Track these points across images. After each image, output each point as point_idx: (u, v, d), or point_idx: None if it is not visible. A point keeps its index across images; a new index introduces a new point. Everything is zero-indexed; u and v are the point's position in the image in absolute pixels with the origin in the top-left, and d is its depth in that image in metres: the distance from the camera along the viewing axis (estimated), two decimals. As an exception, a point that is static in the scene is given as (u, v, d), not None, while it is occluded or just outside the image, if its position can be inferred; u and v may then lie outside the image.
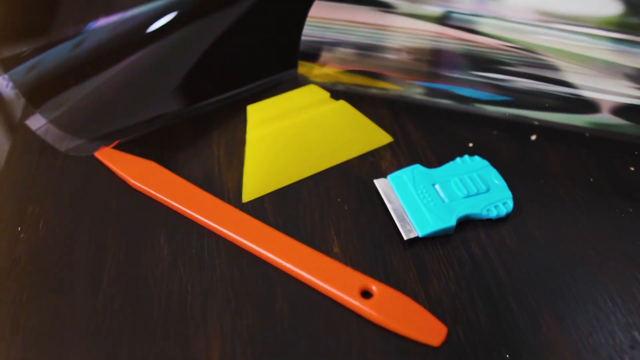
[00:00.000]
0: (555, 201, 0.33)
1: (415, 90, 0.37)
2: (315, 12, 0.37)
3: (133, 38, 0.37)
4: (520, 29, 0.34)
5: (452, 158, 0.35)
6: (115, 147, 0.35)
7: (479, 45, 0.34)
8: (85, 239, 0.31)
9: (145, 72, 0.37)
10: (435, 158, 0.35)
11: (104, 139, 0.36)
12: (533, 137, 0.37)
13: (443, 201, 0.32)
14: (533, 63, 0.34)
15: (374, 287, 0.28)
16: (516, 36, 0.34)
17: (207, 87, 0.38)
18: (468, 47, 0.35)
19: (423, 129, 0.37)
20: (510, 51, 0.34)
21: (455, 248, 0.30)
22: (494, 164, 0.34)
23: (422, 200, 0.32)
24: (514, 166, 0.35)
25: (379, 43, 0.36)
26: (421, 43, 0.36)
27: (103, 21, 0.38)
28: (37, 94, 0.35)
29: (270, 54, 0.40)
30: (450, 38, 0.35)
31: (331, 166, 0.35)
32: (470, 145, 0.36)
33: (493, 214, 0.31)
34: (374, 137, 0.36)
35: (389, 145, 0.36)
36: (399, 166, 0.35)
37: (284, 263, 0.29)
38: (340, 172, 0.34)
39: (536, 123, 0.36)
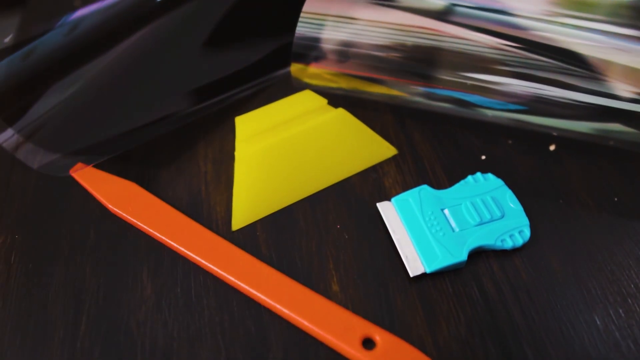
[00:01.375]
0: (575, 225, 0.30)
1: (419, 97, 0.33)
2: (310, 7, 0.33)
3: (111, 36, 0.33)
4: (532, 26, 0.30)
5: (463, 174, 0.32)
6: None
7: (487, 46, 0.31)
8: (62, 274, 0.28)
9: (125, 77, 0.33)
10: (445, 174, 0.32)
11: (81, 154, 0.32)
12: (552, 148, 0.33)
13: (453, 230, 0.29)
14: (549, 67, 0.30)
15: (377, 336, 0.25)
16: (527, 35, 0.30)
17: (193, 91, 0.34)
18: (475, 48, 0.31)
19: (431, 139, 0.34)
20: (522, 54, 0.30)
21: (465, 284, 0.28)
22: (509, 179, 0.31)
23: (430, 229, 0.29)
24: (530, 183, 0.31)
25: (379, 42, 0.32)
26: (426, 42, 0.32)
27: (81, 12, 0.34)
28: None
29: (260, 52, 0.36)
30: (456, 38, 0.31)
31: (329, 185, 0.32)
32: (483, 157, 0.33)
33: (508, 244, 0.28)
34: (377, 149, 0.33)
35: (393, 158, 0.33)
36: (404, 184, 0.32)
37: (278, 306, 0.26)
38: (340, 191, 0.31)
39: (555, 134, 0.33)
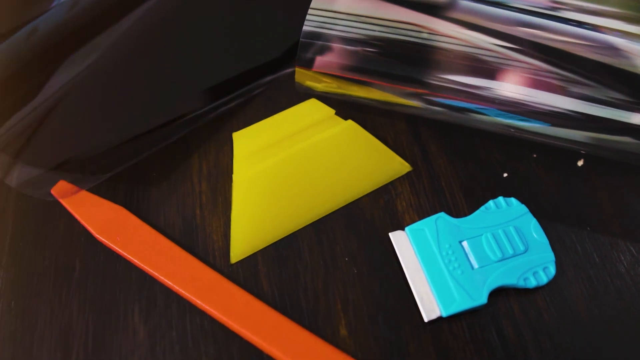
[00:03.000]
0: (603, 259, 0.27)
1: (435, 109, 0.29)
2: (317, 3, 0.29)
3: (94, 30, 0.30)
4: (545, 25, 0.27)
5: (483, 196, 0.29)
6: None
7: (484, 49, 0.27)
8: (47, 313, 0.26)
9: (115, 78, 0.29)
10: (464, 195, 0.29)
11: (64, 170, 0.29)
12: (580, 163, 0.30)
13: (472, 267, 0.26)
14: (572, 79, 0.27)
15: (389, 393, 0.24)
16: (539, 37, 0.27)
17: (192, 94, 0.31)
18: (473, 50, 0.27)
19: (449, 152, 0.31)
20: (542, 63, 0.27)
21: (484, 328, 0.26)
22: (533, 201, 0.28)
23: (448, 265, 0.26)
24: (555, 206, 0.29)
25: (390, 48, 0.28)
26: (441, 44, 0.28)
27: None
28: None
29: (262, 51, 0.32)
30: (451, 38, 0.27)
31: (337, 208, 0.29)
32: (505, 175, 0.30)
33: (531, 284, 0.26)
34: (390, 166, 0.30)
35: (407, 175, 0.30)
36: (419, 208, 0.29)
37: (283, 356, 0.24)
38: (348, 216, 0.29)
39: (583, 152, 0.29)
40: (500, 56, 0.27)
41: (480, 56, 0.27)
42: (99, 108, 0.30)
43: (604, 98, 0.26)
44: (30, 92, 0.29)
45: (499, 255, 0.26)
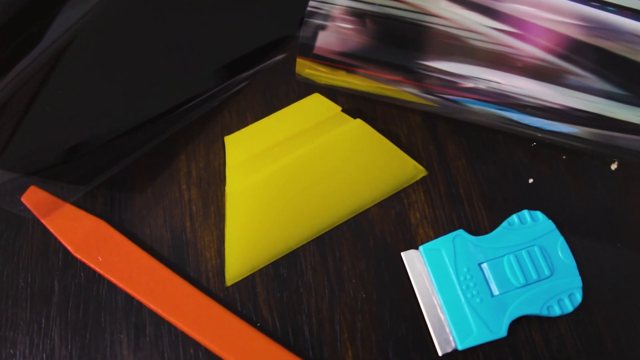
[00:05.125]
0: (634, 282, 0.25)
1: (453, 107, 0.26)
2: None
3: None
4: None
5: (506, 207, 0.26)
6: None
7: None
8: (25, 345, 0.24)
9: (90, 71, 0.25)
10: (484, 206, 0.26)
11: (39, 173, 0.26)
12: (613, 167, 0.27)
13: (492, 294, 0.24)
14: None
15: None
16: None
17: (181, 82, 0.27)
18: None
19: (468, 153, 0.27)
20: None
21: (502, 360, 0.24)
22: (560, 212, 0.26)
23: (465, 292, 0.24)
24: (585, 218, 0.26)
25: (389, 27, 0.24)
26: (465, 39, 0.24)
27: None
28: None
29: (257, 32, 0.27)
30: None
31: (344, 220, 0.26)
32: (531, 181, 0.27)
33: (555, 312, 0.24)
34: (403, 170, 0.26)
35: (422, 180, 0.27)
36: (434, 221, 0.26)
37: (284, 396, 0.23)
38: (356, 229, 0.26)
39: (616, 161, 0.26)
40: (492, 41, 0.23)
41: (469, 40, 0.24)
42: (76, 102, 0.26)
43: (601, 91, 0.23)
44: None
45: (522, 281, 0.24)
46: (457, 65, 0.24)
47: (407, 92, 0.25)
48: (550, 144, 0.27)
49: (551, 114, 0.24)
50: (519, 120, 0.25)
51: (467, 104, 0.25)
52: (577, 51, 0.23)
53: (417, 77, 0.25)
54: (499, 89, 0.24)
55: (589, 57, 0.23)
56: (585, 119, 0.24)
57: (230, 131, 0.27)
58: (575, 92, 0.23)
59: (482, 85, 0.24)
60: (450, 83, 0.24)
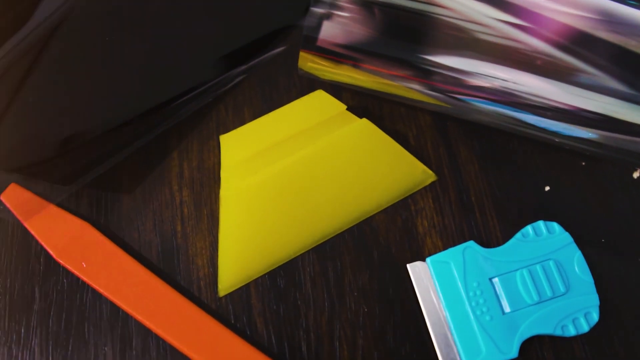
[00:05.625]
0: (654, 298, 0.24)
1: (461, 106, 0.24)
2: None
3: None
4: None
5: (520, 216, 0.24)
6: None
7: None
8: (2, 356, 0.22)
9: (80, 60, 0.23)
10: (497, 215, 0.24)
11: (20, 170, 0.24)
12: (635, 175, 0.26)
13: (503, 311, 0.22)
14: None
15: None
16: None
17: (170, 78, 0.25)
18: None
19: (481, 156, 0.25)
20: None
21: (511, 382, 0.22)
22: (578, 223, 0.24)
23: (474, 308, 0.22)
24: (604, 230, 0.24)
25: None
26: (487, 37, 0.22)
27: None
28: None
29: (257, 21, 0.25)
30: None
31: (346, 228, 0.24)
32: (547, 189, 0.25)
33: (570, 332, 0.22)
34: (411, 175, 0.24)
35: (431, 186, 0.25)
36: (443, 230, 0.24)
37: (279, 417, 0.21)
38: (359, 238, 0.24)
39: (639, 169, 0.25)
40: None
41: (475, 34, 0.22)
42: (62, 94, 0.24)
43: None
44: None
45: (535, 298, 0.23)
46: (463, 60, 0.22)
47: (411, 89, 0.24)
48: (570, 150, 0.25)
49: (560, 115, 0.22)
50: (530, 122, 0.23)
51: (474, 103, 0.23)
52: (589, 47, 0.21)
53: (422, 73, 0.23)
54: (506, 87, 0.22)
55: (602, 53, 0.21)
56: (597, 121, 0.22)
57: (226, 128, 0.25)
58: (588, 92, 0.22)
59: (487, 83, 0.22)
60: (455, 80, 0.23)
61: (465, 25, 0.22)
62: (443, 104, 0.24)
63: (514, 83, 0.22)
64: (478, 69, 0.22)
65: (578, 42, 0.21)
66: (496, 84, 0.22)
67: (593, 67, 0.21)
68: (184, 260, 0.24)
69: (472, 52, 0.22)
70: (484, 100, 0.23)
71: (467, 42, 0.22)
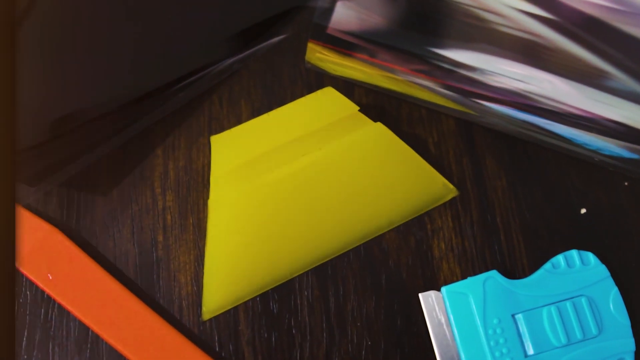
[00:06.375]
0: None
1: (492, 118, 0.21)
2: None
3: None
4: None
5: (551, 243, 0.21)
6: None
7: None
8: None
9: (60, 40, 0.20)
10: (524, 240, 0.21)
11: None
12: (686, 200, 0.22)
13: (525, 353, 0.20)
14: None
15: None
16: None
17: (150, 69, 0.21)
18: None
19: (510, 170, 0.22)
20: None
21: None
22: (617, 254, 0.21)
23: (493, 348, 0.20)
24: (644, 262, 0.21)
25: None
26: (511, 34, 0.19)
27: None
28: None
29: (259, 2, 0.21)
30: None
31: (351, 248, 0.21)
32: (583, 211, 0.22)
33: (600, 381, 0.20)
34: (429, 188, 0.21)
35: (451, 202, 0.22)
36: (463, 255, 0.21)
37: None
38: (365, 259, 0.21)
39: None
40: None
41: (494, 25, 0.19)
42: (32, 80, 0.20)
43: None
44: None
45: (563, 340, 0.20)
46: (480, 56, 0.20)
47: (425, 89, 0.21)
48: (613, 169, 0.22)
49: (582, 122, 0.20)
50: (557, 132, 0.20)
51: (489, 106, 0.20)
52: (616, 45, 0.18)
53: (436, 69, 0.20)
54: (524, 89, 0.19)
55: (633, 54, 0.18)
56: (622, 133, 0.19)
57: (220, 123, 0.22)
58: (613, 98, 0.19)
59: (502, 84, 0.19)
60: (470, 80, 0.20)
61: (484, 15, 0.19)
62: (454, 106, 0.21)
63: (533, 85, 0.19)
64: (494, 67, 0.19)
65: (606, 38, 0.19)
66: (512, 84, 0.19)
67: (619, 70, 0.19)
68: (164, 276, 0.21)
69: (490, 47, 0.20)
70: (499, 106, 0.20)
71: (485, 34, 0.19)
